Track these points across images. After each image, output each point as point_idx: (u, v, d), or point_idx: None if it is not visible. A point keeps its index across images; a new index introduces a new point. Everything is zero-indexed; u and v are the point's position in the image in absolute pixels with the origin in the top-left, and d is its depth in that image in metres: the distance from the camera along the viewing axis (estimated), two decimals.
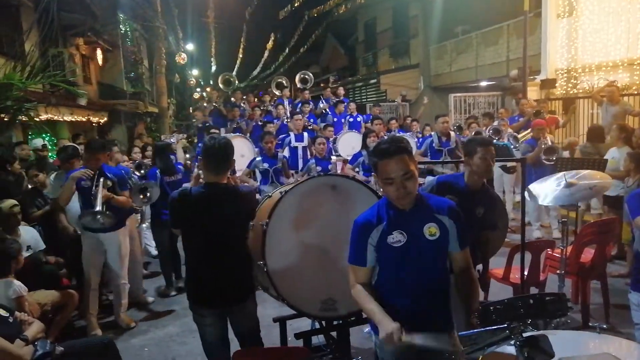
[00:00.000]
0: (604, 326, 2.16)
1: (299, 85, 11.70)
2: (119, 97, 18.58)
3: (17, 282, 3.61)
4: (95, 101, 16.74)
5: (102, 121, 17.21)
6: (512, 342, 1.53)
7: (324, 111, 10.92)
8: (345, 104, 11.04)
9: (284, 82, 11.61)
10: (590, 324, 3.97)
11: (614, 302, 4.34)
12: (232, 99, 12.17)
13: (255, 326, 3.14)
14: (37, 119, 7.92)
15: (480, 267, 3.41)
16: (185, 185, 3.10)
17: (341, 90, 12.24)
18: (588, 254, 4.38)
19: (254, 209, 3.04)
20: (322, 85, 24.76)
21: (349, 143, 8.82)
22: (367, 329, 4.04)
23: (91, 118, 15.89)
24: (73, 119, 14.10)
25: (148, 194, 5.19)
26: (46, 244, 4.73)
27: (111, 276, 4.92)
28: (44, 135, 10.33)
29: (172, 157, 6.12)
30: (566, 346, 1.83)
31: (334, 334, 3.58)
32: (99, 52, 18.40)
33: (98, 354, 3.17)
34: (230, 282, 2.93)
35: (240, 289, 2.98)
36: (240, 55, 25.78)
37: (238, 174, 6.82)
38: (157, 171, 5.67)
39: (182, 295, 5.71)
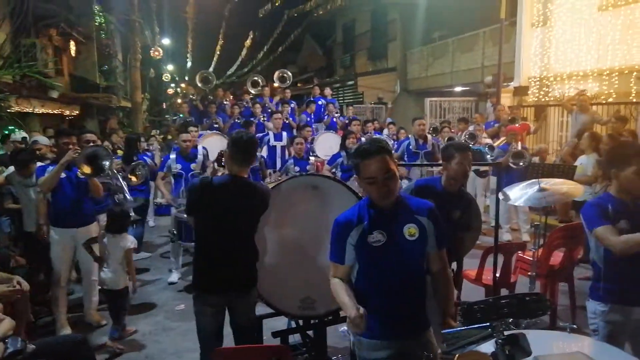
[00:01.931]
0: (574, 326, 2.26)
1: (277, 83, 11.67)
2: (91, 91, 18.17)
3: None
4: (67, 94, 16.31)
5: (73, 114, 16.80)
6: (494, 340, 1.58)
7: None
8: (324, 104, 11.10)
9: (259, 80, 11.55)
10: (560, 324, 4.11)
11: (580, 304, 4.47)
12: (210, 96, 12.07)
13: (255, 319, 3.19)
14: (8, 111, 7.73)
15: (454, 266, 3.50)
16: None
17: (328, 91, 12.31)
18: (557, 257, 4.52)
19: (267, 207, 3.07)
20: (299, 85, 24.77)
21: (326, 144, 8.85)
22: (342, 328, 4.08)
23: (63, 111, 15.50)
24: (44, 112, 13.72)
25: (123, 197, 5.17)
26: (17, 239, 4.61)
27: (83, 273, 4.82)
28: (10, 127, 10.05)
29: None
30: (540, 345, 1.89)
31: (310, 332, 3.61)
32: (72, 44, 17.95)
33: (71, 352, 3.10)
34: (241, 270, 3.00)
35: (248, 277, 3.03)
36: (218, 52, 25.52)
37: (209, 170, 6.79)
38: (120, 159, 6.16)
39: (155, 293, 5.66)
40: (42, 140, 6.61)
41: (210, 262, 2.97)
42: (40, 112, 13.49)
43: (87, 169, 4.20)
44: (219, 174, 3.17)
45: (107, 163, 4.34)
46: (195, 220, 3.01)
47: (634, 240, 2.41)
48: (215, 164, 3.32)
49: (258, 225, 3.07)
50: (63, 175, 4.41)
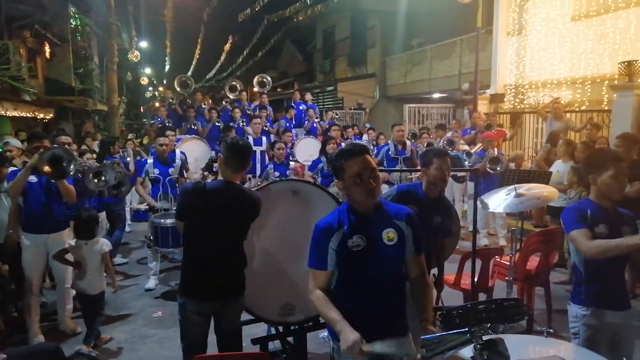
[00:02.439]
0: (550, 330, 2.30)
1: (256, 88, 11.64)
2: (66, 94, 17.80)
3: None
4: (42, 97, 15.94)
5: (48, 117, 16.44)
6: (472, 345, 1.59)
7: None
8: (304, 109, 11.11)
9: (237, 85, 11.52)
10: (537, 329, 4.18)
11: (555, 308, 4.57)
12: (188, 100, 11.96)
13: (239, 327, 3.16)
14: None
15: (435, 271, 3.54)
16: None
17: (308, 96, 12.32)
18: (533, 262, 4.60)
19: (257, 214, 3.05)
20: (279, 90, 24.73)
21: (306, 149, 8.86)
22: (322, 334, 4.07)
23: (37, 114, 15.16)
24: (17, 115, 13.39)
25: (103, 178, 5.03)
26: None
27: (56, 280, 4.70)
28: None
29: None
30: (516, 349, 1.91)
31: (290, 339, 3.59)
32: (46, 46, 17.59)
33: None
34: (232, 276, 2.98)
35: (239, 283, 3.02)
36: (197, 56, 25.32)
37: (195, 176, 6.71)
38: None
39: (131, 299, 5.56)
40: (14, 142, 6.38)
41: (201, 268, 2.93)
42: (13, 115, 13.17)
43: (47, 169, 4.10)
44: (209, 180, 3.14)
45: (70, 164, 4.20)
46: (186, 225, 2.97)
47: (607, 246, 2.45)
48: (206, 171, 3.29)
49: (248, 232, 3.05)
50: (34, 179, 4.33)
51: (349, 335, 1.96)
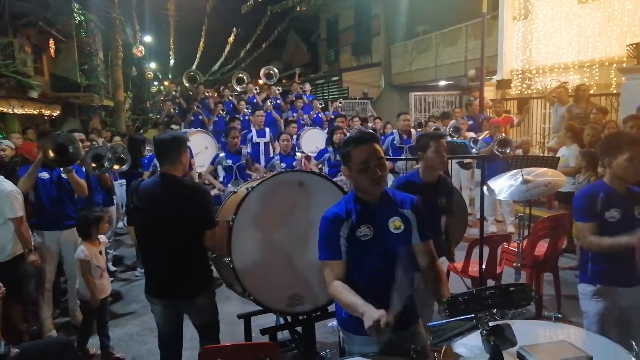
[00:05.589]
0: (559, 315, 2.30)
1: (263, 80, 11.63)
2: (72, 90, 17.90)
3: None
4: (48, 94, 16.03)
5: (54, 114, 16.54)
6: (479, 331, 1.60)
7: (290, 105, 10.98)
8: (309, 100, 11.08)
9: (244, 77, 11.50)
10: (546, 314, 4.17)
11: (565, 293, 4.55)
12: (190, 92, 12.01)
13: (209, 323, 3.09)
14: None
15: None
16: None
17: (307, 86, 12.27)
18: (541, 248, 4.58)
19: (208, 211, 2.94)
20: (284, 81, 24.67)
21: (312, 140, 8.84)
22: (331, 323, 4.10)
23: (43, 111, 15.26)
24: (24, 112, 13.49)
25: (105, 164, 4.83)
26: None
27: (68, 275, 4.73)
28: None
29: None
30: (525, 335, 1.91)
31: (298, 328, 3.61)
32: (51, 43, 17.66)
33: (56, 356, 3.05)
34: (179, 278, 2.88)
35: (189, 285, 2.93)
36: (201, 49, 25.27)
37: (201, 169, 6.73)
38: None
39: (140, 293, 5.58)
40: (6, 142, 6.25)
41: (152, 268, 2.95)
42: (20, 112, 13.26)
43: (52, 154, 4.06)
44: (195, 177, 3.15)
45: (75, 148, 4.15)
46: (136, 226, 2.93)
47: (601, 245, 2.62)
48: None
49: (203, 228, 2.92)
50: (46, 176, 4.37)
51: (374, 312, 1.90)
